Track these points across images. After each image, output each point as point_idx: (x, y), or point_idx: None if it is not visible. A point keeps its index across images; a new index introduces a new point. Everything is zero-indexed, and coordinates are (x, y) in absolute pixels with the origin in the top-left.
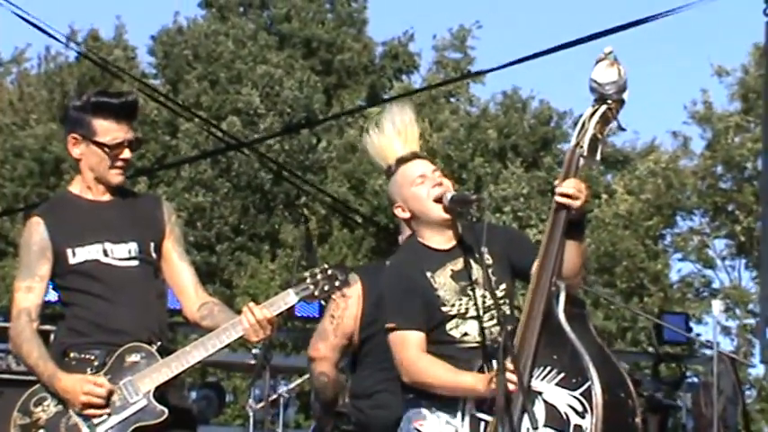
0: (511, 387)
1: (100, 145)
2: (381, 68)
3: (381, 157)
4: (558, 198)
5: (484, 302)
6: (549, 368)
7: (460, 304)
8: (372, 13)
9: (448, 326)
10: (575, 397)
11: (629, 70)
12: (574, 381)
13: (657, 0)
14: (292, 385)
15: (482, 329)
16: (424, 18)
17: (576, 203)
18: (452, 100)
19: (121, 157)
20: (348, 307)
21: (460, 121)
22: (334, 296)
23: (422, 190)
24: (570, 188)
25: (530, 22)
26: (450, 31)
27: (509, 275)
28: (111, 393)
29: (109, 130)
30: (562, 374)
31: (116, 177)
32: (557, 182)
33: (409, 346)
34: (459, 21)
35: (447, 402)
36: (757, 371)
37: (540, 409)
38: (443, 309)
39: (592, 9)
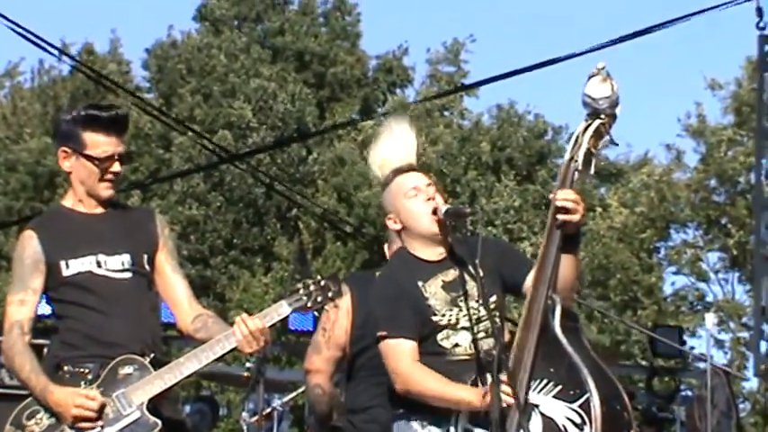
0: (507, 400)
1: (90, 158)
2: (375, 81)
3: (379, 168)
4: (558, 203)
5: (475, 314)
6: (546, 381)
7: (451, 315)
8: (366, 26)
9: (439, 336)
10: (573, 409)
11: (624, 83)
12: (571, 393)
13: (651, 13)
14: (286, 398)
15: (473, 341)
16: (419, 32)
17: (575, 217)
18: (446, 113)
19: (111, 170)
20: (338, 319)
21: (454, 135)
22: (326, 307)
23: (414, 203)
24: (569, 199)
25: (524, 36)
26: (444, 45)
27: (499, 288)
28: (103, 407)
29: (99, 143)
30: (559, 387)
31: (105, 191)
32: (552, 196)
33: (403, 355)
34: (452, 34)
35: (438, 417)
36: (751, 384)
37: (537, 422)
38: (434, 318)
39: (586, 23)
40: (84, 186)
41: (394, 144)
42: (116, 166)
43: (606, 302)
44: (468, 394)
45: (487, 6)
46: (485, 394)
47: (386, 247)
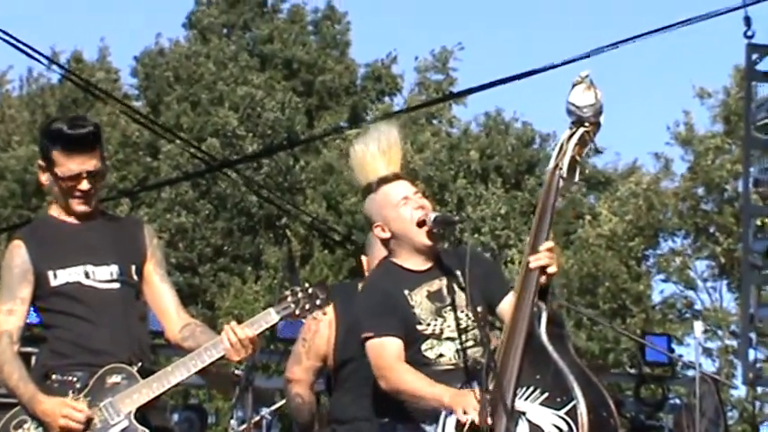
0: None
1: (56, 177)
2: (363, 90)
3: (363, 174)
4: (532, 265)
5: (460, 324)
6: (532, 388)
7: (435, 324)
8: (356, 35)
9: (423, 346)
10: (560, 416)
11: (612, 91)
12: (558, 400)
13: (640, 21)
14: (275, 407)
15: (458, 351)
16: (407, 40)
17: (553, 269)
18: (434, 121)
19: (79, 188)
20: (319, 329)
21: (442, 143)
22: (313, 315)
23: (405, 212)
24: (544, 258)
25: (512, 43)
26: (432, 53)
27: (484, 300)
28: (90, 419)
29: (64, 161)
30: (546, 394)
31: (78, 207)
32: (537, 208)
33: (388, 353)
34: (441, 42)
35: (423, 426)
36: (739, 392)
37: (524, 430)
38: (419, 327)
39: (575, 31)
40: (60, 200)
41: (379, 152)
42: (83, 185)
43: (595, 310)
44: (439, 391)
45: (475, 14)
46: (458, 396)
47: (364, 259)
